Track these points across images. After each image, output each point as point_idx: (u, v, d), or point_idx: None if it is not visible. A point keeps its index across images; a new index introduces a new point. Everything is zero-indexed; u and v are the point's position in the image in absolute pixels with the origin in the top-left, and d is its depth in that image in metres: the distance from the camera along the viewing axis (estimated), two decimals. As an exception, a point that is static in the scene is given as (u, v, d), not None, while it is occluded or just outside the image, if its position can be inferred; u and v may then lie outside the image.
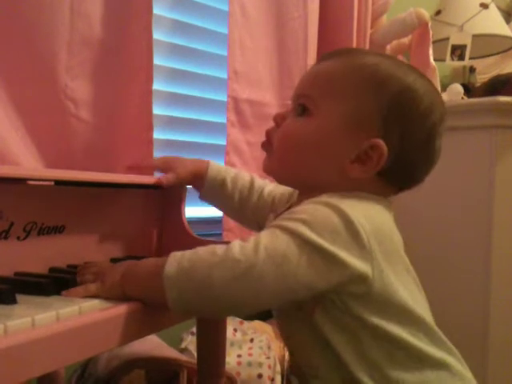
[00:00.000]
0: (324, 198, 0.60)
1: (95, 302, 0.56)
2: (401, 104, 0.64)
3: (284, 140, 0.67)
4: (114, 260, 0.80)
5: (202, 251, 0.57)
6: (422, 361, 0.62)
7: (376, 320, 0.60)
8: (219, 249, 0.56)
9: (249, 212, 0.86)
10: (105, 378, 0.87)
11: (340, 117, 0.64)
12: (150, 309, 0.58)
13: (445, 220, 1.45)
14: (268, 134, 0.70)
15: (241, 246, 0.56)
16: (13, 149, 0.83)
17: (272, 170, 0.70)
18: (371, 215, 0.61)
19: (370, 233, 0.58)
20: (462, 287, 1.41)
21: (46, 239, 0.71)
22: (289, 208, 0.71)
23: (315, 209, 0.59)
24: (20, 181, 0.64)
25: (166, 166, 0.88)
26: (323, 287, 0.57)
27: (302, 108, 0.66)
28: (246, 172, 0.90)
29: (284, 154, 0.67)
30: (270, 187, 0.86)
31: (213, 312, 0.62)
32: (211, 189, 0.87)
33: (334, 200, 0.60)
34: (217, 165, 0.89)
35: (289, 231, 0.56)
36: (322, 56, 0.71)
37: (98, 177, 0.78)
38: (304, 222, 0.57)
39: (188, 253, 0.57)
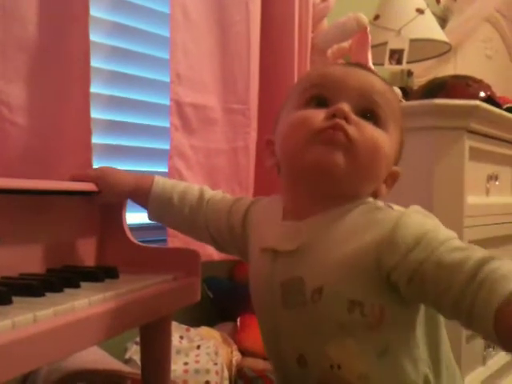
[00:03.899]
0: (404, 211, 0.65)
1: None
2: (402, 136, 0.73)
3: (372, 149, 0.65)
4: (51, 270, 0.77)
5: None
6: None
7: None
8: None
9: (201, 221, 0.83)
10: (44, 394, 0.84)
11: (395, 142, 0.70)
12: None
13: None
14: (343, 128, 0.64)
15: None
16: None
17: (347, 170, 0.64)
18: None
19: None
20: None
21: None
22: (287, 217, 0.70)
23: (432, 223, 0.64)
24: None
25: (103, 181, 0.83)
26: None
27: (369, 113, 0.67)
28: (195, 185, 0.87)
29: (364, 163, 0.65)
30: (225, 200, 0.83)
31: None
32: (157, 207, 0.84)
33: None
34: (162, 181, 0.85)
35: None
36: (358, 65, 0.74)
37: (35, 184, 0.75)
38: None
39: None
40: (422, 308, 0.66)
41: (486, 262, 0.55)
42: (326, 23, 1.59)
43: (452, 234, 0.62)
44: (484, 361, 1.56)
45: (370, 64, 1.56)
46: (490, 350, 1.57)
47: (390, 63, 1.76)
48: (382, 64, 1.77)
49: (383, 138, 0.67)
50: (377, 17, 1.91)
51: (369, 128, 0.66)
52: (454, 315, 0.57)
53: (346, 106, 0.65)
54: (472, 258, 0.56)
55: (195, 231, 0.85)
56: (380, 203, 0.67)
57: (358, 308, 0.61)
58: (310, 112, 0.67)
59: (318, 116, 0.66)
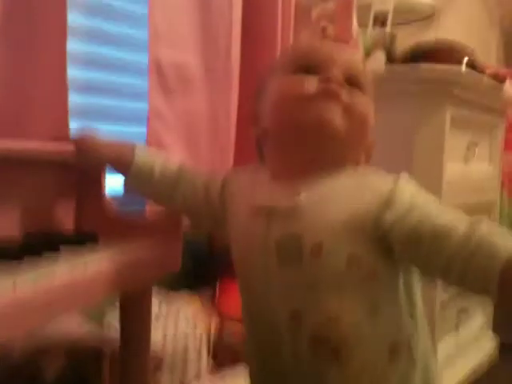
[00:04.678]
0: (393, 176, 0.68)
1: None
2: None
3: (365, 116, 0.69)
4: (28, 235, 0.75)
5: None
6: None
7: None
8: None
9: (179, 195, 0.82)
10: (21, 363, 0.82)
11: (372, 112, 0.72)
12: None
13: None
14: (338, 94, 0.67)
15: None
16: None
17: (344, 131, 0.67)
18: None
19: None
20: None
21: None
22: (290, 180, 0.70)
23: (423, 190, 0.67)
24: None
25: (84, 144, 0.82)
26: None
27: (355, 83, 0.69)
28: (174, 158, 0.87)
29: (361, 128, 0.69)
30: (202, 176, 0.83)
31: None
32: (136, 178, 0.82)
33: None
34: (144, 151, 0.84)
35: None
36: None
37: (9, 145, 0.72)
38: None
39: None
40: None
41: (477, 223, 0.59)
42: (310, -18, 1.55)
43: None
44: (457, 326, 1.59)
45: (355, 27, 1.53)
46: (463, 315, 1.61)
47: (374, 26, 1.73)
48: (366, 26, 1.73)
49: (369, 106, 0.71)
50: (361, -23, 1.87)
51: (359, 94, 0.69)
52: (442, 275, 0.62)
53: (338, 73, 0.68)
54: (464, 219, 0.60)
55: (172, 204, 0.85)
56: (368, 169, 0.72)
57: (355, 262, 0.64)
58: (302, 78, 0.69)
59: (312, 82, 0.68)
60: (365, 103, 0.70)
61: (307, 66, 0.70)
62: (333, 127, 0.66)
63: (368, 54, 1.68)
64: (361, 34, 1.55)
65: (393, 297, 0.68)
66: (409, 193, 0.65)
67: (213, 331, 1.09)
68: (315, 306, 0.66)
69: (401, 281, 0.69)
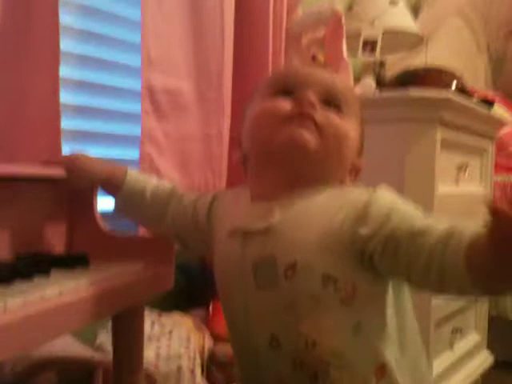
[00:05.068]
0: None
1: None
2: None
3: (337, 134, 0.68)
4: (20, 257, 0.75)
5: None
6: None
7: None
8: None
9: (168, 218, 0.83)
10: (11, 383, 0.81)
11: (357, 134, 0.72)
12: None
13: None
14: (310, 113, 0.68)
15: None
16: None
17: (317, 150, 0.67)
18: None
19: None
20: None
21: None
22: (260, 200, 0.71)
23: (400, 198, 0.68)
24: None
25: (74, 166, 0.82)
26: None
27: (333, 104, 0.70)
28: (166, 182, 0.88)
29: (332, 147, 0.68)
30: (191, 196, 0.83)
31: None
32: (126, 199, 0.83)
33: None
34: (135, 174, 0.84)
35: None
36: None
37: (2, 169, 0.72)
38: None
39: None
40: (391, 292, 0.68)
41: (454, 226, 0.58)
42: (300, 11, 1.58)
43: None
44: (451, 345, 1.59)
45: (345, 54, 1.56)
46: (457, 334, 1.61)
47: (364, 54, 1.76)
48: (356, 55, 1.77)
49: (348, 127, 0.70)
50: (351, 7, 1.92)
51: (334, 116, 0.69)
52: (424, 279, 0.60)
53: (312, 95, 0.68)
54: (441, 222, 0.60)
55: (161, 226, 0.84)
56: (348, 187, 0.72)
57: (331, 283, 0.63)
58: (278, 100, 0.70)
59: (286, 104, 0.69)
60: (342, 123, 0.69)
61: (284, 89, 0.70)
62: (303, 147, 0.66)
63: (358, 79, 1.71)
64: (351, 61, 1.59)
65: (377, 317, 0.66)
66: (387, 200, 0.65)
67: (206, 351, 1.08)
68: (292, 330, 0.65)
69: (387, 300, 0.67)
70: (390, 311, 0.67)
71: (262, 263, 0.66)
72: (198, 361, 1.03)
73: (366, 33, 1.81)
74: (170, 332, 1.04)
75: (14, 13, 0.90)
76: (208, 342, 1.10)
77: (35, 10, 0.93)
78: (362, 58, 1.82)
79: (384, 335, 0.66)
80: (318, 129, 0.67)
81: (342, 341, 0.64)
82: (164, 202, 0.83)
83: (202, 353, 1.06)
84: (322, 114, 0.68)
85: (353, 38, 1.81)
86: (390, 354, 0.66)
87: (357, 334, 0.64)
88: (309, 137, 0.66)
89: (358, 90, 1.59)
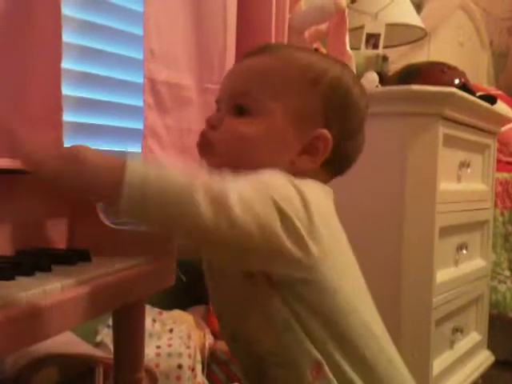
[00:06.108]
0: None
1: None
2: (336, 94, 0.69)
3: (230, 142, 0.67)
4: (20, 252, 0.74)
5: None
6: None
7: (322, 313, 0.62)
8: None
9: None
10: (12, 378, 0.81)
11: (283, 113, 0.67)
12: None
13: (358, 205, 1.48)
14: (204, 135, 0.69)
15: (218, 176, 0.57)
16: None
17: (219, 166, 0.64)
18: (320, 198, 0.63)
19: (317, 211, 0.59)
20: (374, 274, 1.45)
21: None
22: None
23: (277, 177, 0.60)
24: None
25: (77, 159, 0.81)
26: (285, 249, 0.56)
27: (239, 108, 0.67)
28: None
29: (232, 157, 0.66)
30: None
31: (167, 221, 0.56)
32: None
33: (287, 174, 0.61)
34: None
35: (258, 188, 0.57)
36: (248, 53, 0.72)
37: (3, 162, 0.72)
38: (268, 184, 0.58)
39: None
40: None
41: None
42: (302, 4, 1.57)
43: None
44: (452, 345, 1.59)
45: (348, 47, 1.55)
46: (458, 334, 1.61)
47: (367, 48, 1.75)
48: (359, 48, 1.76)
49: (241, 126, 0.67)
50: (354, 0, 1.90)
51: (228, 125, 0.68)
52: None
53: (213, 114, 0.71)
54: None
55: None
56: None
57: (248, 274, 0.62)
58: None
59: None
60: (233, 129, 0.67)
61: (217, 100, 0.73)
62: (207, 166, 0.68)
63: (360, 75, 1.70)
64: (353, 56, 1.57)
65: (303, 315, 0.62)
66: None
67: (206, 349, 1.08)
68: (240, 328, 0.66)
69: (313, 298, 0.62)
70: (321, 309, 0.63)
71: (210, 265, 0.71)
72: (199, 358, 1.03)
73: (370, 26, 1.79)
74: (171, 330, 1.04)
75: (15, 3, 0.89)
76: (208, 340, 1.10)
77: (37, 1, 0.91)
78: (365, 51, 1.80)
79: (315, 333, 0.62)
80: (210, 145, 0.68)
81: (273, 340, 0.63)
82: None
83: (202, 350, 1.06)
84: (218, 128, 0.68)
85: (356, 30, 1.80)
86: (325, 352, 0.62)
87: (286, 332, 0.62)
88: (206, 159, 0.68)
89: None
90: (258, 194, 0.56)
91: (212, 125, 0.69)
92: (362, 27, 1.79)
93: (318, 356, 0.62)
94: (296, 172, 0.64)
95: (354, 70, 1.59)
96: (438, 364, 1.49)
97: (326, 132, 0.67)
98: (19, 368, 0.82)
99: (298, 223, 0.57)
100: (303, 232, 0.57)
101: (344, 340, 0.63)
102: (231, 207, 0.53)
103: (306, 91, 0.68)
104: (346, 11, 1.54)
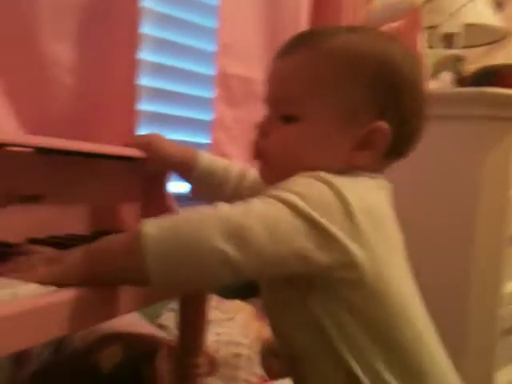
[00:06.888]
0: (319, 172, 0.59)
1: (33, 287, 0.49)
2: (384, 78, 0.63)
3: (281, 152, 0.65)
4: (95, 233, 0.77)
5: (181, 212, 0.55)
6: None
7: (369, 314, 0.59)
8: (203, 207, 0.53)
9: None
10: (82, 351, 0.85)
11: (332, 113, 0.63)
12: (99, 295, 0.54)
13: (430, 209, 1.45)
14: (257, 145, 0.67)
15: (230, 206, 0.54)
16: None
17: (273, 180, 0.62)
18: (365, 195, 0.60)
19: (364, 213, 0.57)
20: (442, 280, 1.41)
21: (25, 208, 0.68)
22: None
23: (310, 182, 0.57)
24: (-1, 146, 0.61)
25: (149, 147, 0.83)
26: (316, 260, 0.54)
27: (287, 118, 0.64)
28: (236, 162, 0.88)
29: (283, 165, 0.64)
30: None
31: (198, 276, 0.53)
32: (201, 179, 0.83)
33: (329, 176, 0.58)
34: (207, 155, 0.85)
35: (283, 201, 0.54)
36: (283, 49, 0.68)
37: (81, 146, 0.75)
38: (298, 194, 0.55)
39: (165, 218, 0.53)
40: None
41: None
42: (378, 1, 1.55)
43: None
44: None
45: (419, 47, 1.51)
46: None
47: (442, 47, 1.70)
48: (434, 47, 1.71)
49: (292, 135, 0.64)
50: (430, -2, 1.85)
51: (278, 133, 0.65)
52: None
53: (262, 121, 0.68)
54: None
55: None
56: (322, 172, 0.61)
57: (288, 281, 0.60)
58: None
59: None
60: (279, 138, 0.65)
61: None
62: (261, 176, 0.69)
63: (435, 74, 1.65)
64: (425, 55, 1.54)
65: (337, 318, 0.58)
66: None
67: (264, 341, 1.08)
68: (276, 325, 0.67)
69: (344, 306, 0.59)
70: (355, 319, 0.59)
71: None
72: (256, 349, 1.04)
73: (446, 26, 1.74)
74: (231, 319, 1.05)
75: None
76: (267, 331, 1.11)
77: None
78: (441, 51, 1.75)
79: (357, 341, 0.59)
80: (261, 155, 0.67)
81: (304, 339, 0.61)
82: (234, 186, 0.84)
83: (260, 341, 1.06)
84: (262, 141, 0.67)
85: (432, 29, 1.75)
86: (363, 364, 0.59)
87: (319, 335, 0.59)
88: (261, 170, 0.68)
89: (435, 84, 1.55)
90: (280, 212, 0.54)
91: (263, 132, 0.67)
92: (437, 26, 1.75)
93: (353, 368, 0.58)
94: (354, 168, 0.62)
95: (427, 69, 1.55)
96: (503, 376, 1.44)
97: (381, 124, 0.62)
98: (88, 343, 0.85)
99: (332, 229, 0.54)
100: (339, 236, 0.54)
101: (390, 350, 0.59)
102: (254, 238, 0.51)
103: (348, 83, 0.62)
104: (422, 10, 1.51)
